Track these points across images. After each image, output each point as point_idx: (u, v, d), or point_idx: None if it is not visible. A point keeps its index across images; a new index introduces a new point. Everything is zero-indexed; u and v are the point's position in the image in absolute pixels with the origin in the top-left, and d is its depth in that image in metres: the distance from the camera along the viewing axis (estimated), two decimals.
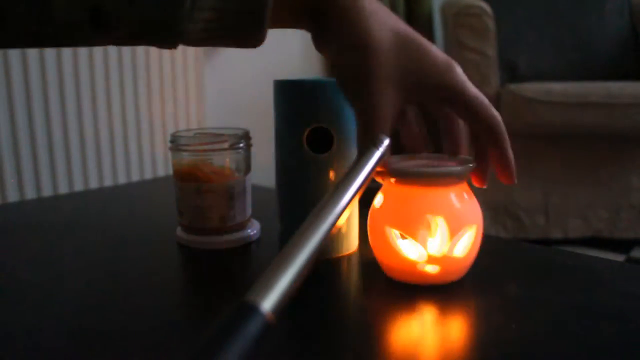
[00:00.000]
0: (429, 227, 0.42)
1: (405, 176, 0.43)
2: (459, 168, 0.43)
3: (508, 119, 1.62)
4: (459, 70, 0.40)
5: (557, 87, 1.58)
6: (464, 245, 0.43)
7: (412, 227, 0.42)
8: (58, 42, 0.32)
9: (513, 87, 1.61)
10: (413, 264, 0.43)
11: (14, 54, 1.19)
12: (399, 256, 0.43)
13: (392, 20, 0.39)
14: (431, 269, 0.42)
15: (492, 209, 1.66)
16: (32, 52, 1.21)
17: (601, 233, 1.70)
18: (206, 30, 0.34)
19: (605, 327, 0.37)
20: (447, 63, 0.40)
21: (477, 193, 0.44)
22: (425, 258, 0.42)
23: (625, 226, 1.69)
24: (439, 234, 0.42)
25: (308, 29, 0.40)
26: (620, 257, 1.61)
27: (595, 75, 1.80)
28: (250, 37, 0.36)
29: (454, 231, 0.42)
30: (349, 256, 0.51)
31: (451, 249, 0.42)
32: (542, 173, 1.67)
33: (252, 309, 0.21)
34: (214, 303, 0.42)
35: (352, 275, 0.49)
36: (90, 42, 0.32)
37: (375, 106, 0.37)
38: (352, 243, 0.52)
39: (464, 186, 0.44)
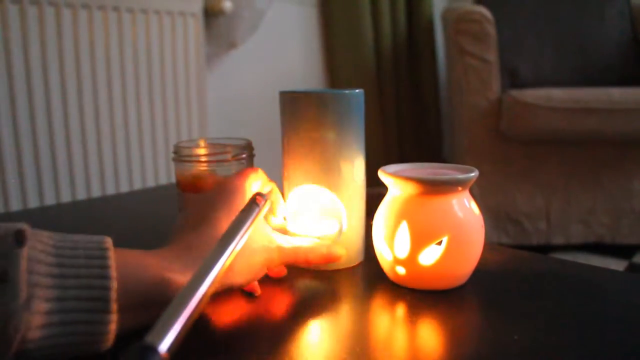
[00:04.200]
0: (395, 230, 0.44)
1: (392, 182, 0.46)
2: (433, 178, 0.44)
3: (509, 124, 1.64)
4: None
5: (558, 93, 1.58)
6: (436, 252, 0.43)
7: (386, 229, 0.45)
8: None
9: (514, 92, 1.61)
10: (388, 263, 0.46)
11: (18, 63, 1.19)
12: (380, 255, 0.47)
13: None
14: (400, 270, 0.45)
15: (494, 215, 1.66)
16: (36, 61, 1.22)
17: (603, 239, 1.69)
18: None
19: (607, 338, 0.37)
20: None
21: (479, 199, 0.45)
22: (391, 258, 0.45)
23: (627, 232, 1.69)
24: (404, 239, 0.44)
25: None
26: (622, 263, 1.61)
27: (597, 80, 1.80)
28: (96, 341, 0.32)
29: (421, 237, 0.43)
30: (355, 267, 0.51)
31: (414, 253, 0.43)
32: (544, 178, 1.67)
33: (151, 350, 0.26)
34: (215, 311, 0.42)
35: (355, 286, 0.49)
36: None
37: None
38: (357, 255, 0.52)
39: (457, 196, 0.44)
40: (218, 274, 0.32)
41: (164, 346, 0.26)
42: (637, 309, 0.42)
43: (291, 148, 0.50)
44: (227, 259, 0.34)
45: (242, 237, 0.37)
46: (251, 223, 0.39)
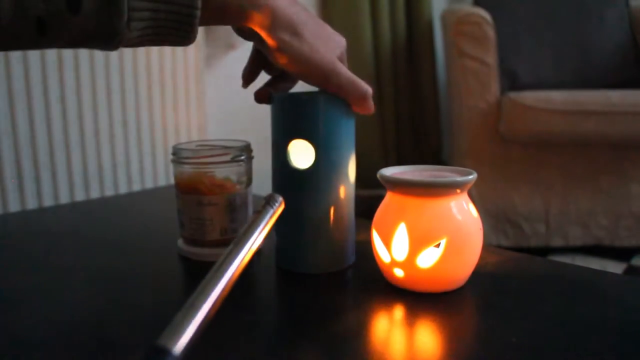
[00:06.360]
0: (393, 232, 0.44)
1: (391, 185, 0.46)
2: (431, 180, 0.44)
3: (508, 126, 1.64)
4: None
5: (557, 95, 1.58)
6: (434, 255, 0.43)
7: (384, 231, 0.45)
8: (6, 47, 0.36)
9: (513, 95, 1.61)
10: (387, 265, 0.46)
11: (16, 66, 1.19)
12: (378, 257, 0.47)
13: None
14: (399, 273, 0.45)
15: (493, 217, 1.66)
16: (34, 63, 1.21)
17: (602, 241, 1.70)
18: (142, 36, 0.39)
19: (605, 340, 0.37)
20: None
21: (478, 202, 0.45)
22: (389, 260, 0.45)
23: (626, 234, 1.69)
24: (403, 241, 0.44)
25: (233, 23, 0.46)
26: (621, 265, 1.61)
27: (596, 83, 1.80)
28: (182, 40, 0.41)
29: (419, 240, 0.43)
30: (346, 270, 0.51)
31: (412, 255, 0.43)
32: (543, 181, 1.67)
33: (164, 352, 0.25)
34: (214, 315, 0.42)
35: (354, 288, 0.49)
36: (36, 47, 0.37)
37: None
38: (347, 257, 0.52)
39: (456, 198, 0.44)
40: (232, 275, 0.32)
41: (177, 348, 0.26)
42: (636, 311, 0.42)
43: (280, 151, 0.50)
44: (241, 261, 0.33)
45: (256, 239, 0.36)
46: (265, 224, 0.38)
